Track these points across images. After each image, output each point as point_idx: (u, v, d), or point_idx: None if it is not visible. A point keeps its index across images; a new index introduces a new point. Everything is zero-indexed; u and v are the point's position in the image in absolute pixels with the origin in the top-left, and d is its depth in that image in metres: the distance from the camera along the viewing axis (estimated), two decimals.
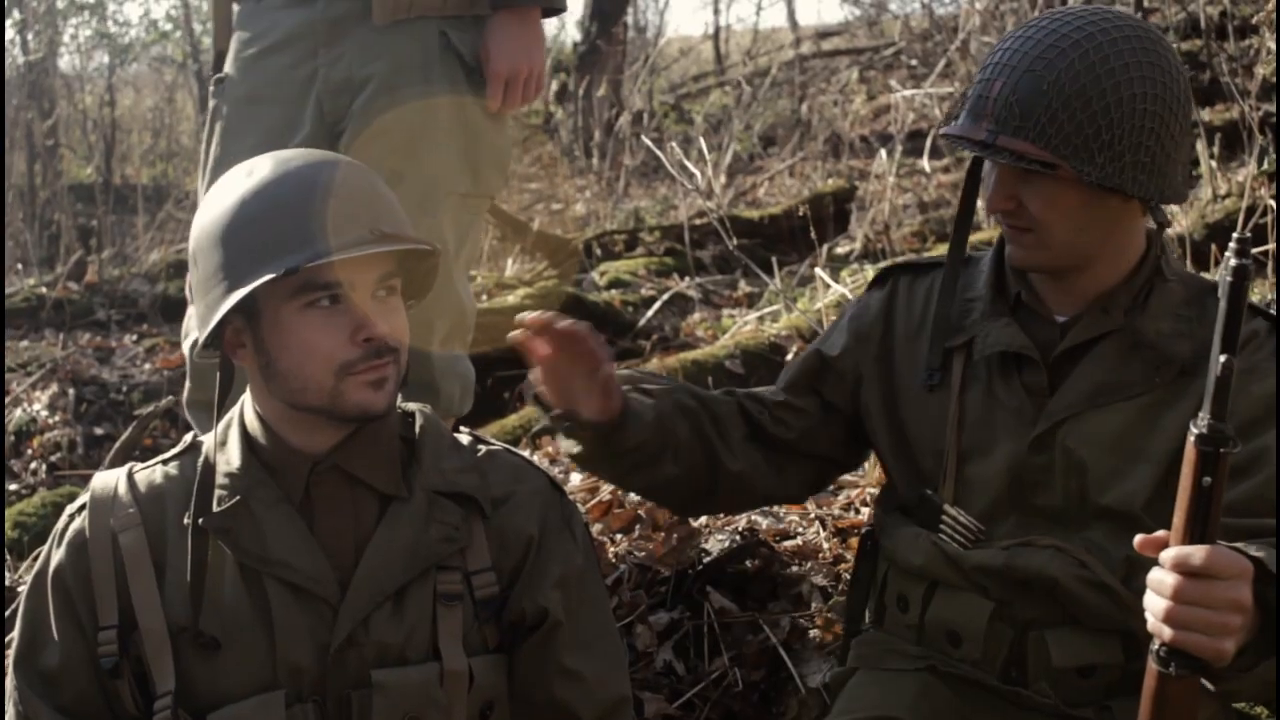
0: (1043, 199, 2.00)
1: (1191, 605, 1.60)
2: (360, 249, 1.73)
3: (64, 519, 1.91)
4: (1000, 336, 2.13)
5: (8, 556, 4.15)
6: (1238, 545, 1.67)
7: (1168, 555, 1.62)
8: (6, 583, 3.79)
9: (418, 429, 1.96)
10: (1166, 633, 1.62)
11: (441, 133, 2.90)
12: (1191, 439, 1.60)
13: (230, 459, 1.87)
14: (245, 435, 1.88)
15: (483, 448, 2.01)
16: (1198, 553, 1.59)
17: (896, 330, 2.27)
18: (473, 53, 2.91)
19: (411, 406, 1.99)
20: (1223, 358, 1.56)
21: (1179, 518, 1.62)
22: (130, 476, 1.91)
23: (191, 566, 1.82)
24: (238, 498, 1.83)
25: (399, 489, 1.88)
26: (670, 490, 2.29)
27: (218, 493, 1.85)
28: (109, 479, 1.91)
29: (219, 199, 1.81)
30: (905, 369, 2.25)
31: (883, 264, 2.37)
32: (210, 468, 1.88)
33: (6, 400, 5.96)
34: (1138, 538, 1.67)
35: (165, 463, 1.93)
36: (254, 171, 1.81)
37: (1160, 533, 1.65)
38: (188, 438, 1.97)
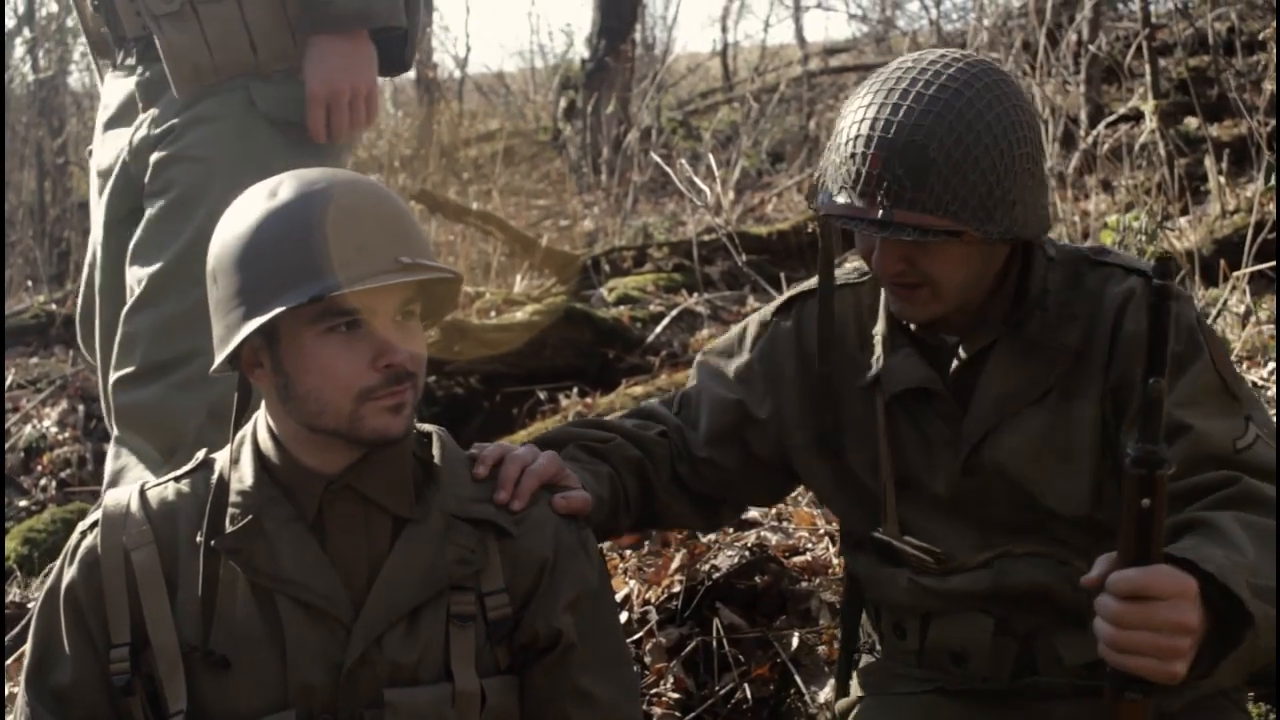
0: (939, 260, 1.97)
1: (1135, 630, 1.59)
2: (380, 279, 1.73)
3: (76, 536, 1.91)
4: (903, 372, 2.12)
5: (18, 572, 4.16)
6: (1189, 554, 1.65)
7: (1110, 580, 1.61)
8: (18, 599, 3.80)
9: (436, 451, 1.95)
10: (1114, 659, 1.61)
11: (219, 192, 2.69)
12: (1126, 462, 1.59)
13: (243, 477, 1.87)
14: (258, 453, 1.88)
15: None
16: (1136, 576, 1.59)
17: (810, 363, 2.24)
18: (283, 110, 2.80)
19: (428, 428, 1.99)
20: (1150, 380, 1.56)
21: (1122, 541, 1.61)
22: (143, 493, 1.91)
23: (203, 585, 1.82)
24: (250, 516, 1.83)
25: (411, 510, 1.88)
26: (619, 531, 2.34)
27: (230, 510, 1.84)
28: (121, 496, 1.91)
29: (240, 219, 1.81)
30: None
31: (786, 294, 2.35)
32: (223, 485, 1.88)
33: (16, 417, 5.97)
34: (1084, 579, 1.67)
35: (178, 479, 1.93)
36: (276, 193, 1.80)
37: (1104, 557, 1.65)
38: (200, 454, 1.97)
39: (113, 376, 2.78)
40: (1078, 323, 2.04)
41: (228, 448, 1.91)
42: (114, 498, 1.91)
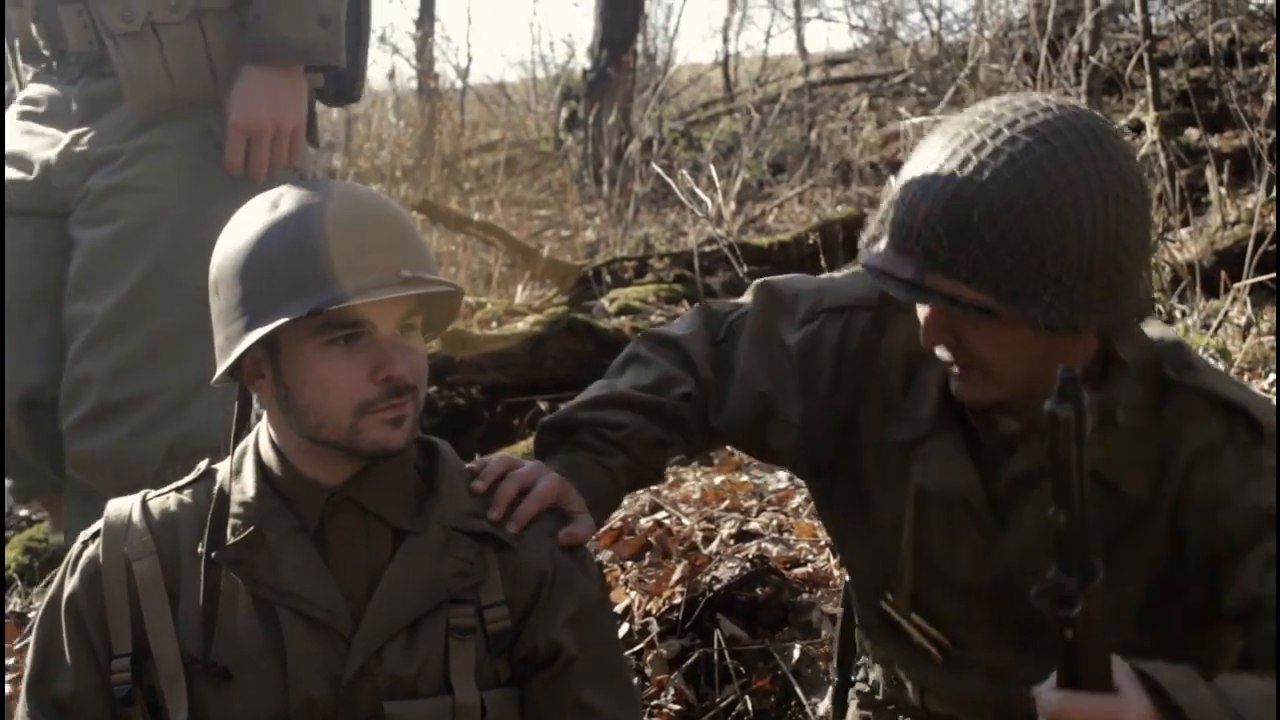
0: (985, 339, 1.71)
1: None
2: (381, 293, 1.72)
3: (77, 546, 1.91)
4: (941, 470, 1.90)
5: (18, 582, 4.16)
6: (1146, 669, 1.49)
7: (1037, 697, 1.48)
8: (19, 608, 3.80)
9: (437, 463, 1.95)
10: None
11: (172, 225, 2.67)
12: (1031, 592, 1.41)
13: (245, 488, 1.87)
14: (260, 465, 1.88)
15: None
16: (1054, 700, 1.44)
17: (842, 387, 2.01)
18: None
19: (429, 440, 1.99)
20: (1050, 511, 1.36)
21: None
22: (144, 504, 1.91)
23: (204, 596, 1.82)
24: (252, 527, 1.83)
25: (412, 523, 1.87)
26: None
27: (232, 521, 1.84)
28: (123, 506, 1.91)
29: (241, 229, 1.80)
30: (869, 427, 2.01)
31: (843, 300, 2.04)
32: (225, 496, 1.88)
33: None
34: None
35: (179, 490, 1.93)
36: (278, 204, 1.79)
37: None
38: (202, 465, 1.96)
39: (66, 420, 2.66)
40: (1148, 470, 1.78)
41: (229, 458, 1.91)
42: (115, 508, 1.91)
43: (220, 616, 1.83)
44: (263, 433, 1.90)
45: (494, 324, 6.60)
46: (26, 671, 1.91)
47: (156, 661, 1.82)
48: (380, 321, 1.76)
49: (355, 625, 1.82)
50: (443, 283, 1.79)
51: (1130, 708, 1.43)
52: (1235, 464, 1.74)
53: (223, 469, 1.92)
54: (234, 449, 1.90)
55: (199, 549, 1.84)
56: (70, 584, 1.87)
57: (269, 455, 1.87)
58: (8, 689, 3.08)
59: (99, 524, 1.91)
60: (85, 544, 1.90)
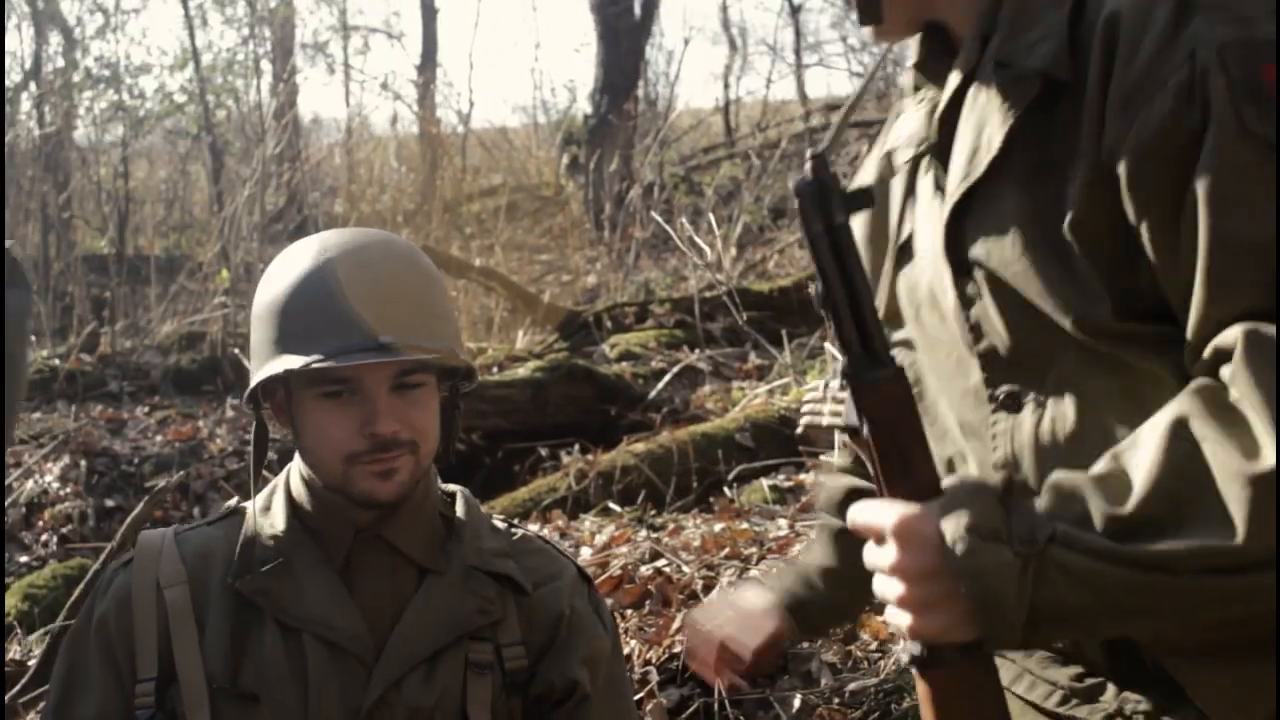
0: None
1: (880, 575, 1.28)
2: (351, 358, 1.77)
3: (109, 573, 1.95)
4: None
5: (18, 629, 4.16)
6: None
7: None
8: (19, 656, 3.79)
9: (459, 508, 2.00)
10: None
11: None
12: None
13: (275, 522, 1.92)
14: (290, 500, 1.93)
15: (517, 532, 2.05)
16: (852, 514, 1.30)
17: None
18: None
19: (451, 488, 2.04)
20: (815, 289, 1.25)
21: None
22: (176, 535, 1.96)
23: (232, 629, 1.86)
24: (281, 559, 1.87)
25: (437, 563, 1.92)
26: None
27: (260, 554, 1.89)
28: (154, 537, 1.96)
29: (275, 274, 1.88)
30: None
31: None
32: (254, 531, 1.92)
33: (18, 472, 5.98)
34: None
35: (210, 524, 1.98)
36: (300, 257, 1.86)
37: None
38: (231, 503, 2.02)
39: None
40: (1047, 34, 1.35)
41: (257, 495, 1.96)
42: (147, 538, 1.95)
43: (247, 646, 1.86)
44: (294, 470, 1.95)
45: (495, 369, 6.61)
46: (49, 699, 1.93)
47: (182, 687, 1.84)
48: (368, 380, 1.81)
49: (377, 655, 1.86)
50: (422, 350, 1.82)
51: (899, 511, 1.25)
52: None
53: (251, 507, 1.97)
54: (255, 476, 1.96)
55: (229, 579, 1.88)
56: (100, 607, 1.91)
57: (299, 491, 1.92)
58: None
59: (131, 553, 1.95)
60: (116, 571, 1.94)
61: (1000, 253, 1.36)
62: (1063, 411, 1.38)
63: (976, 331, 1.43)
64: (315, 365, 1.77)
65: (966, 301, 1.43)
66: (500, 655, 1.91)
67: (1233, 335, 1.18)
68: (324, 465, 1.84)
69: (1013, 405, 1.42)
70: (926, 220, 1.50)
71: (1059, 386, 1.38)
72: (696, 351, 7.20)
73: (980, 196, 1.39)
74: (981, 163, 1.38)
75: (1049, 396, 1.39)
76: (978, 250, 1.39)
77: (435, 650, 1.87)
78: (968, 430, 1.49)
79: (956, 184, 1.41)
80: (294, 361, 1.78)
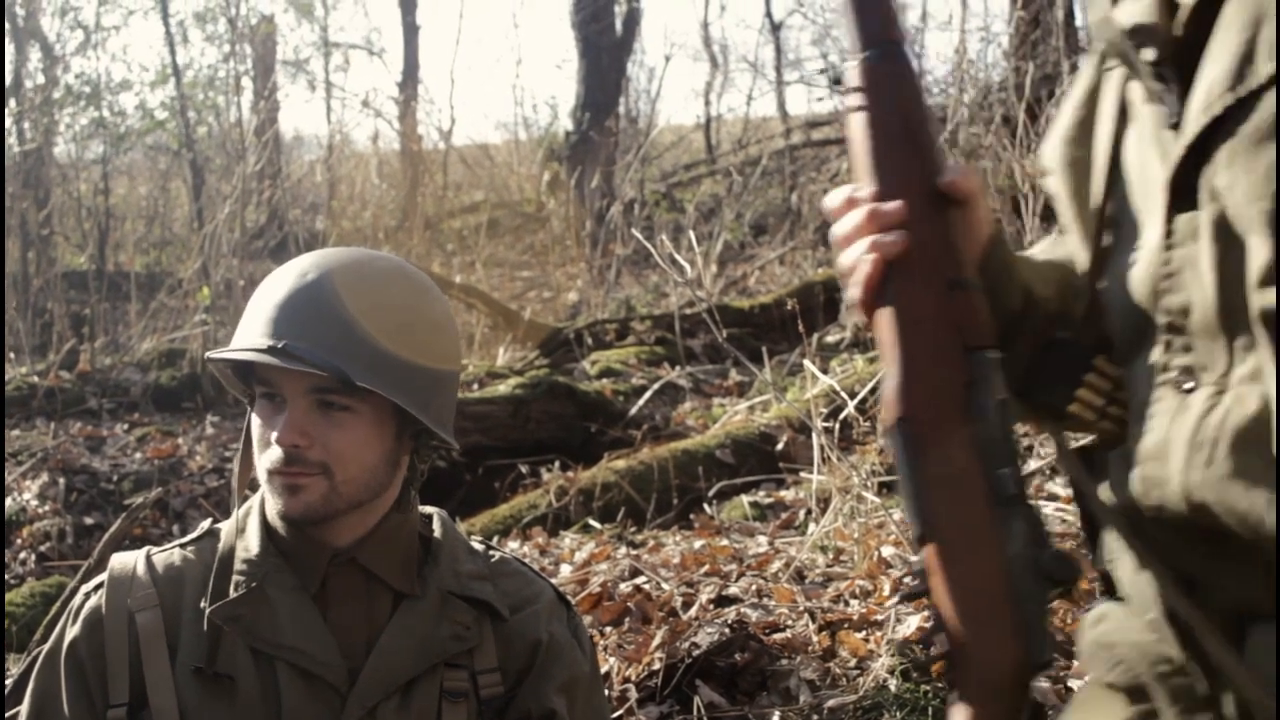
0: None
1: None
2: (236, 352, 1.79)
3: (80, 596, 1.93)
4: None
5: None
6: None
7: None
8: None
9: (436, 530, 2.00)
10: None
11: None
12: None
13: (249, 546, 1.91)
14: (265, 524, 1.92)
15: (495, 554, 2.05)
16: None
17: None
18: None
19: (428, 510, 2.03)
20: None
21: None
22: (149, 558, 1.94)
23: (206, 650, 1.84)
24: (254, 584, 1.86)
25: (413, 587, 1.91)
26: None
27: (235, 578, 1.88)
28: (127, 559, 1.94)
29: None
30: None
31: None
32: (229, 553, 1.91)
33: None
34: None
35: (184, 546, 1.97)
36: (285, 268, 1.88)
37: None
38: (205, 524, 2.01)
39: None
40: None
41: (233, 517, 1.95)
42: (120, 561, 1.94)
43: (220, 671, 1.85)
44: (267, 494, 1.92)
45: (475, 386, 6.60)
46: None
47: (153, 712, 1.83)
48: (289, 390, 1.81)
49: (351, 682, 1.85)
50: (312, 366, 1.75)
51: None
52: None
53: (225, 527, 1.95)
54: (239, 489, 1.96)
55: (201, 604, 1.87)
56: (71, 632, 1.89)
57: (273, 513, 1.91)
58: None
59: (103, 575, 1.93)
60: (88, 595, 1.93)
61: (1251, 186, 1.10)
62: (1243, 408, 1.13)
63: (1171, 281, 1.19)
64: (213, 354, 1.80)
65: (1171, 243, 1.19)
66: (476, 682, 1.90)
67: None
68: (260, 472, 1.85)
69: (1186, 384, 1.19)
70: (1150, 142, 1.25)
71: (1251, 374, 1.14)
72: (677, 368, 7.21)
73: (1237, 117, 1.12)
74: (1261, 72, 1.11)
75: (1232, 384, 1.15)
76: (1221, 180, 1.13)
77: (410, 678, 1.87)
78: (1135, 410, 1.26)
79: (1215, 96, 1.14)
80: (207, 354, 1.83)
